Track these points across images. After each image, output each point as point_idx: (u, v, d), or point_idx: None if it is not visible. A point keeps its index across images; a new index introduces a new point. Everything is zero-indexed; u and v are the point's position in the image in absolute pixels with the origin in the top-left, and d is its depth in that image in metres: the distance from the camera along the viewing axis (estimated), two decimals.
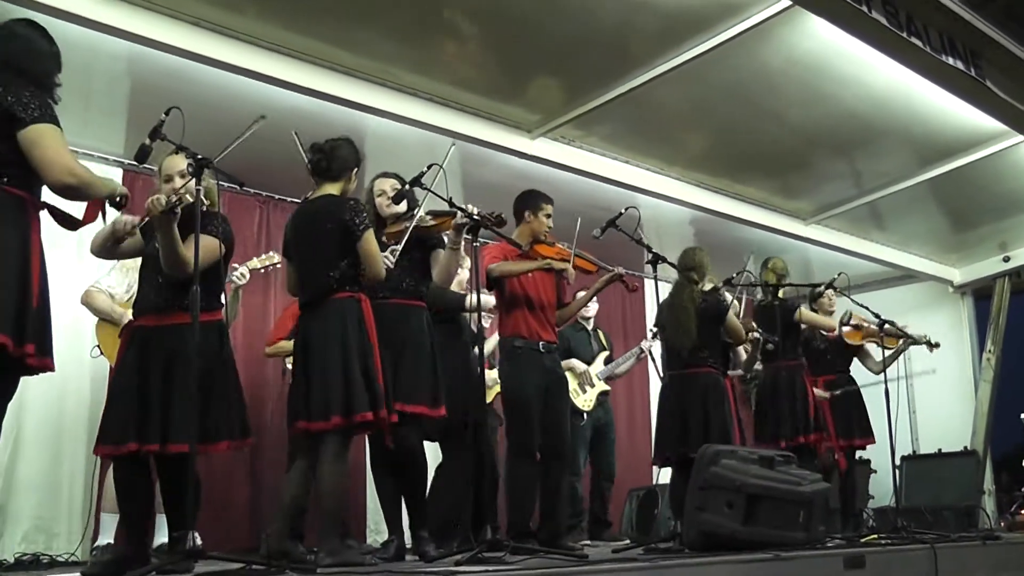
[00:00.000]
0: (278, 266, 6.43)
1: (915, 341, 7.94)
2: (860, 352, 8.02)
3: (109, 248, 4.39)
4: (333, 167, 4.66)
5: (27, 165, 3.51)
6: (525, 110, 6.98)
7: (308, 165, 4.71)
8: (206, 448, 4.20)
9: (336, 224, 4.48)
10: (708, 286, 6.56)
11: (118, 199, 3.82)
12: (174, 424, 4.07)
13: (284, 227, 4.93)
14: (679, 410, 6.22)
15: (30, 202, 3.58)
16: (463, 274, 5.90)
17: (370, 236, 4.50)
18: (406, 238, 4.98)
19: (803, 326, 7.54)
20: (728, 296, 6.67)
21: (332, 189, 4.68)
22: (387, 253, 4.83)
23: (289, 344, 6.54)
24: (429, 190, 4.96)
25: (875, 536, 6.22)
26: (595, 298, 6.73)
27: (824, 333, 7.91)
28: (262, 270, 6.36)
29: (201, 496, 4.15)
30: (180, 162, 4.37)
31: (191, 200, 4.03)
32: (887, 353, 7.68)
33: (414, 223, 5.00)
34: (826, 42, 6.12)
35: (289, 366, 6.72)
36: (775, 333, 7.18)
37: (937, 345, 8.21)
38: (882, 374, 7.17)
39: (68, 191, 3.61)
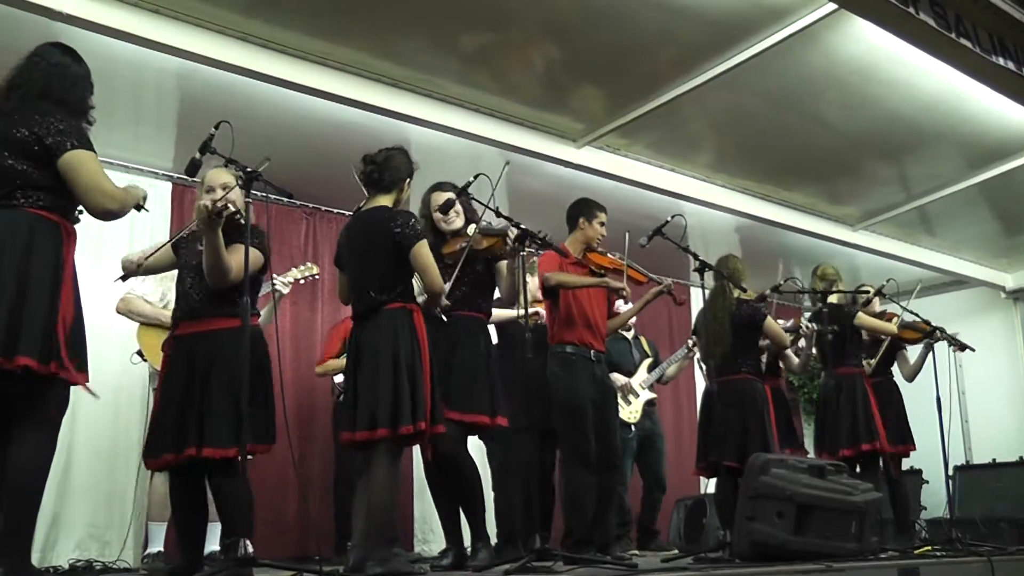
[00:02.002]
0: (316, 277, 6.47)
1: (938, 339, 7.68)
2: (900, 356, 7.84)
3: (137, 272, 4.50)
4: (385, 178, 4.62)
5: (61, 191, 3.60)
6: (570, 119, 6.98)
7: (361, 176, 4.68)
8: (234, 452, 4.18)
9: (387, 236, 4.46)
10: (753, 294, 6.51)
11: (141, 202, 3.93)
12: (214, 429, 4.10)
13: (337, 237, 4.91)
14: (716, 419, 6.17)
15: (63, 227, 3.64)
16: (533, 282, 5.87)
17: (422, 247, 4.46)
18: (461, 260, 4.91)
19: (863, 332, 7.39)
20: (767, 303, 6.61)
21: (384, 200, 4.63)
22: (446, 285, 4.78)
23: (338, 362, 6.69)
24: (485, 205, 4.94)
25: (929, 548, 6.14)
26: None
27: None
28: (302, 280, 6.39)
29: (253, 502, 4.19)
30: (224, 175, 4.42)
31: (232, 211, 4.08)
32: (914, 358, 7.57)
33: (468, 244, 4.92)
34: (872, 45, 6.06)
35: (338, 382, 6.82)
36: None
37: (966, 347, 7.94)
38: (934, 383, 7.03)
39: (108, 215, 3.73)
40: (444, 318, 4.76)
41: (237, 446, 4.04)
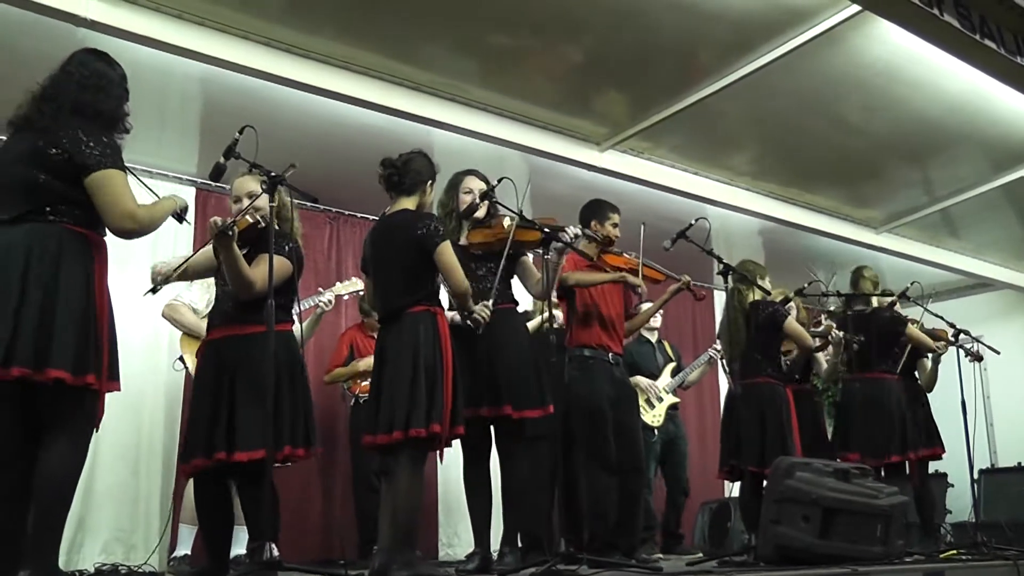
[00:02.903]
0: (361, 293, 6.49)
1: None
2: (919, 364, 7.76)
3: (167, 281, 4.52)
4: (406, 181, 4.62)
5: (92, 205, 3.62)
6: (593, 123, 6.99)
7: (381, 180, 4.69)
8: (276, 455, 4.18)
9: (411, 239, 4.46)
10: (779, 295, 6.49)
11: (180, 212, 3.97)
12: (241, 432, 4.13)
13: (362, 242, 4.92)
14: (736, 422, 6.15)
15: (92, 240, 3.66)
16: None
17: (445, 248, 4.47)
18: (504, 259, 4.89)
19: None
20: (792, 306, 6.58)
21: (408, 203, 4.63)
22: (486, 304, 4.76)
23: (345, 370, 6.89)
24: (509, 209, 4.93)
25: (955, 551, 6.11)
26: (661, 310, 6.69)
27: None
28: (345, 296, 6.46)
29: (279, 507, 4.20)
30: (249, 183, 4.47)
31: (252, 221, 4.10)
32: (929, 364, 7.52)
33: (510, 238, 4.91)
34: (896, 47, 6.04)
35: (347, 390, 6.87)
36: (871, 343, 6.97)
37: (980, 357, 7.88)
38: (959, 386, 6.99)
39: (128, 234, 3.73)
40: (478, 330, 4.75)
41: (265, 449, 4.04)
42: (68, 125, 3.61)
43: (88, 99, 3.69)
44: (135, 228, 3.69)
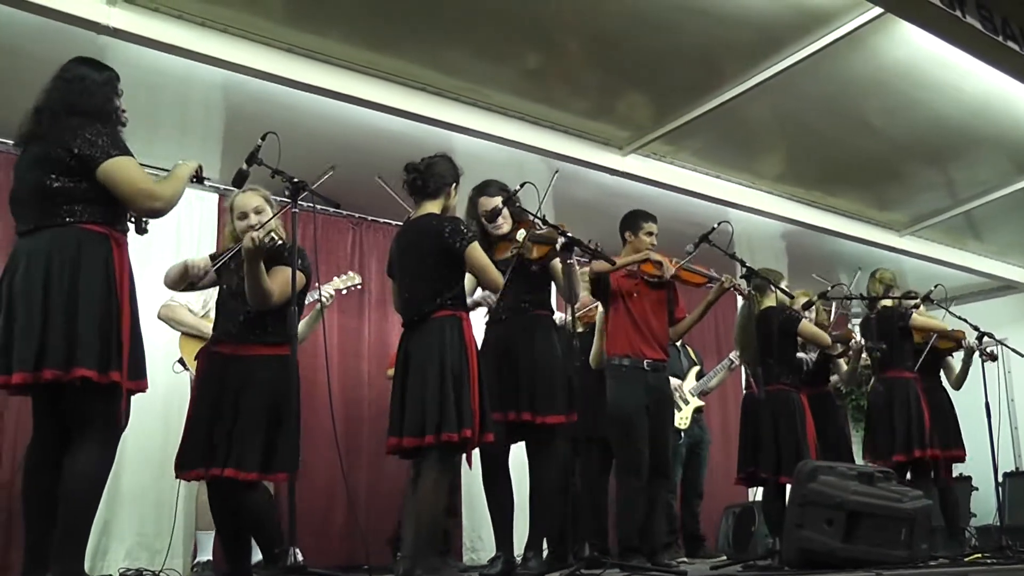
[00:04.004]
0: (359, 287, 6.49)
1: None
2: (945, 365, 7.74)
3: (183, 286, 4.58)
4: (430, 184, 4.62)
5: (107, 201, 3.67)
6: (616, 127, 6.99)
7: (404, 185, 4.70)
8: (266, 477, 4.30)
9: (436, 243, 4.47)
10: (803, 297, 6.47)
11: (198, 175, 4.03)
12: (237, 452, 4.18)
13: (388, 247, 4.92)
14: (754, 428, 6.14)
15: (112, 237, 3.69)
16: (585, 296, 5.88)
17: (475, 249, 4.47)
18: (511, 267, 4.89)
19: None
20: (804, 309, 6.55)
21: (432, 207, 4.63)
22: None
23: None
24: (532, 214, 4.96)
25: (979, 555, 6.08)
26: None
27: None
28: (344, 290, 6.41)
29: (275, 513, 4.29)
30: (254, 199, 4.51)
31: (279, 241, 4.15)
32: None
33: (518, 251, 4.94)
34: (919, 49, 6.02)
35: None
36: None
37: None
38: (983, 389, 6.96)
39: (156, 214, 3.82)
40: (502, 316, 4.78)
41: (260, 472, 4.16)
42: (66, 125, 3.66)
43: (75, 99, 3.74)
44: (161, 206, 3.77)
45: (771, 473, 5.96)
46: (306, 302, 6.02)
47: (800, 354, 6.60)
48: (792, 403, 6.21)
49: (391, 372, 6.71)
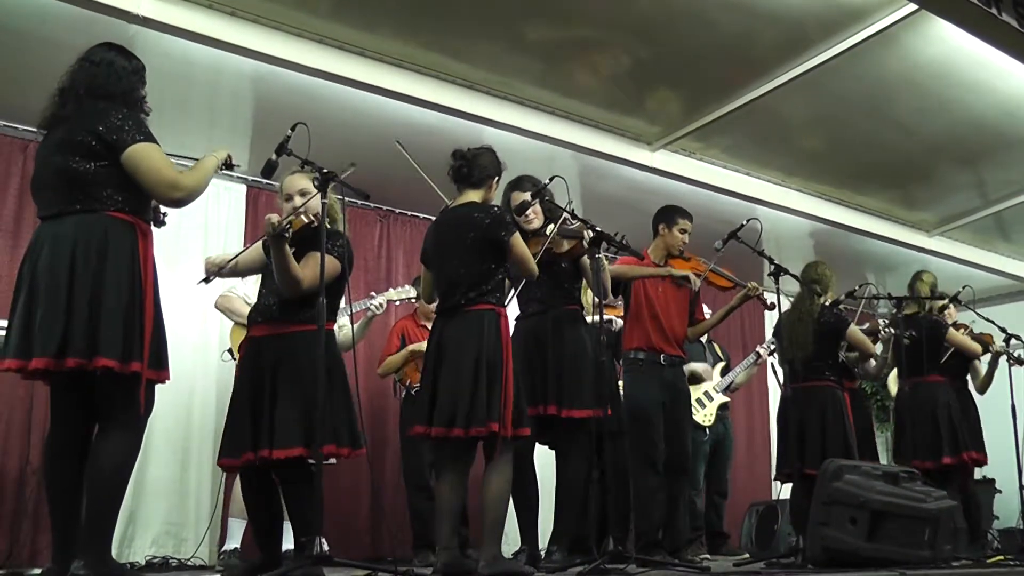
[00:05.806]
0: (413, 300, 6.52)
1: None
2: (971, 368, 7.68)
3: (219, 273, 4.57)
4: (475, 174, 4.63)
5: (133, 189, 3.66)
6: (645, 122, 6.99)
7: (450, 171, 4.70)
8: (310, 452, 4.15)
9: (479, 233, 4.46)
10: (831, 296, 6.46)
11: (227, 163, 4.05)
12: (279, 430, 4.11)
13: (425, 234, 4.89)
14: (797, 425, 6.12)
15: (138, 227, 3.70)
16: None
17: (517, 239, 4.49)
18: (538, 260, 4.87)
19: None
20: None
21: (474, 196, 4.63)
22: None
23: (395, 358, 6.63)
24: (562, 209, 4.95)
25: (1002, 557, 6.05)
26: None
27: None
28: (397, 302, 6.47)
29: (323, 502, 4.22)
30: (300, 181, 4.45)
31: (307, 221, 4.13)
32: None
33: (545, 245, 4.94)
34: (953, 47, 5.98)
35: (399, 382, 6.79)
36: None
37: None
38: (1009, 392, 6.92)
39: (177, 203, 3.77)
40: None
41: (303, 447, 4.06)
42: (91, 108, 3.67)
43: (99, 82, 3.75)
44: (183, 196, 3.73)
45: (817, 470, 5.93)
46: (355, 308, 6.07)
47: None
48: (838, 400, 6.19)
49: (381, 370, 6.75)
